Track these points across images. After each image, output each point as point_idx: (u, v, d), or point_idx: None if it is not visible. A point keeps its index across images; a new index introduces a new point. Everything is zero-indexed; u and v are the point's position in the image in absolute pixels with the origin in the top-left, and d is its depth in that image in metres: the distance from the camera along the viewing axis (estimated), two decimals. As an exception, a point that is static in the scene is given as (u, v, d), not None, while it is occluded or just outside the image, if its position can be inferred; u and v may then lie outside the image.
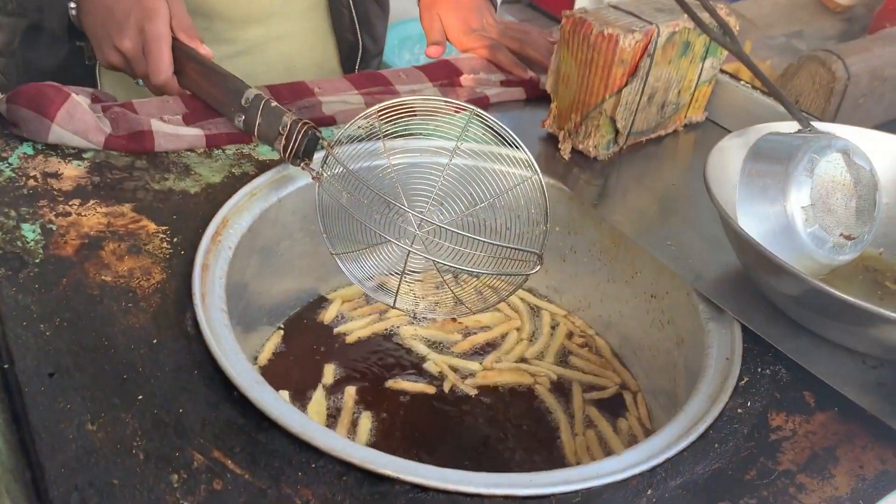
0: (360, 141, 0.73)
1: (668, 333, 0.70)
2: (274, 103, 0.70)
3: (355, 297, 0.78)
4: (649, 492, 0.47)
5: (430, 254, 0.63)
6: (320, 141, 0.67)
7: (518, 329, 0.78)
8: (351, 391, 0.67)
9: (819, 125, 0.65)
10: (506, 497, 0.45)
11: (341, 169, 0.64)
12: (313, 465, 0.46)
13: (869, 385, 0.56)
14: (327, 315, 0.76)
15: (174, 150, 0.72)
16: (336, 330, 0.74)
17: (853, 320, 0.55)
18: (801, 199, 0.59)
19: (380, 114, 0.66)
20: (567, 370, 0.74)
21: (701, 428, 0.51)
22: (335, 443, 0.47)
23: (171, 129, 0.73)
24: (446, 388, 0.70)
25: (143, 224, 0.63)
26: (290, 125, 0.67)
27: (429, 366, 0.72)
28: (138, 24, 0.76)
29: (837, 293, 0.52)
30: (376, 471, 0.45)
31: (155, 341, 0.53)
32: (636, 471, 0.48)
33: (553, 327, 0.80)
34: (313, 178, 0.65)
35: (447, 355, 0.74)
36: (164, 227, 0.63)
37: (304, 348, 0.72)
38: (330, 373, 0.70)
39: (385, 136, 0.67)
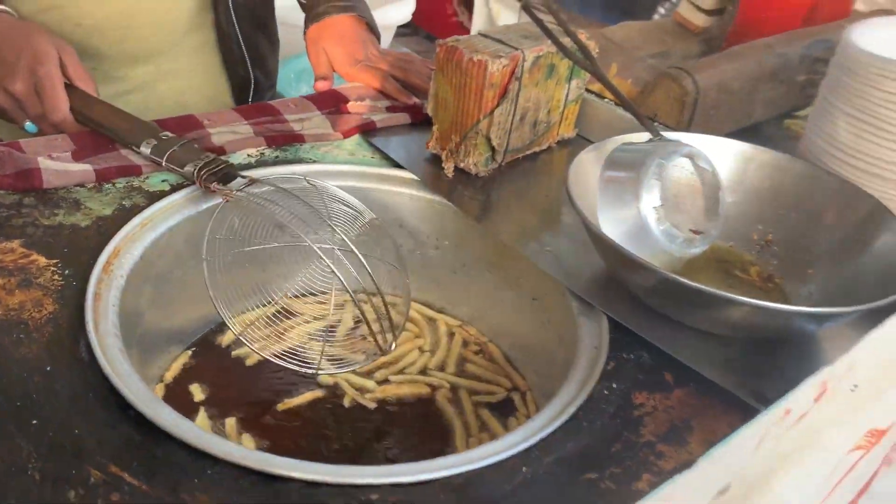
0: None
1: (550, 333, 0.75)
2: (195, 145, 0.76)
3: (256, 321, 0.80)
4: (524, 469, 0.51)
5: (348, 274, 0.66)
6: (239, 175, 0.71)
7: (420, 348, 0.82)
8: (232, 422, 0.68)
9: (668, 134, 0.72)
10: (392, 485, 0.49)
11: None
12: (209, 472, 0.48)
13: (720, 362, 0.63)
14: (226, 339, 0.78)
15: (63, 186, 0.73)
16: (234, 353, 0.77)
17: (702, 304, 0.61)
18: (651, 201, 0.66)
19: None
20: (463, 379, 0.78)
21: (571, 410, 0.56)
22: (231, 449, 0.50)
23: (60, 166, 0.74)
24: (346, 402, 0.73)
25: (33, 259, 0.64)
26: (207, 162, 0.72)
27: (325, 378, 0.75)
28: (29, 67, 0.78)
29: (687, 281, 0.58)
30: (270, 471, 0.48)
31: (49, 369, 0.54)
32: (513, 451, 0.52)
33: (451, 335, 0.84)
34: (224, 199, 0.68)
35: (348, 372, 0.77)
36: (54, 261, 0.64)
37: (203, 374, 0.74)
38: (198, 392, 0.71)
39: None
